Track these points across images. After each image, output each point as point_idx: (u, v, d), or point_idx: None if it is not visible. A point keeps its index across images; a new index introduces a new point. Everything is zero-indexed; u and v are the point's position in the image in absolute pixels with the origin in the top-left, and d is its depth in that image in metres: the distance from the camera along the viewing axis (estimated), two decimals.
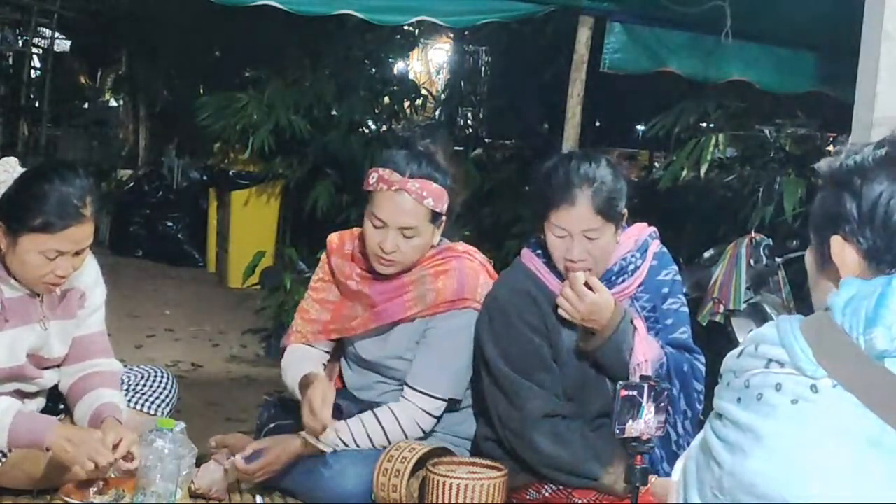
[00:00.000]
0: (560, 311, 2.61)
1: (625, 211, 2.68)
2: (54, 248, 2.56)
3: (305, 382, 2.75)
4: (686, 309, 2.83)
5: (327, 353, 3.00)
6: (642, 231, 2.80)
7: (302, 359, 2.92)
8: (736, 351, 1.25)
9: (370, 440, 2.75)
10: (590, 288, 2.58)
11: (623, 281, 2.71)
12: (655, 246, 2.80)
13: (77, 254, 2.62)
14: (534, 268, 2.73)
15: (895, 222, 1.23)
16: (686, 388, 2.72)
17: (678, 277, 2.83)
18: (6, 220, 2.58)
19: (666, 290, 2.77)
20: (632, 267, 2.72)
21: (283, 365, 2.95)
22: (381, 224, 2.73)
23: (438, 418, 2.83)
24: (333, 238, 3.00)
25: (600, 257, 2.64)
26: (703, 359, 2.78)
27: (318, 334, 2.95)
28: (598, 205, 2.58)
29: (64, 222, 2.55)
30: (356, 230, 2.95)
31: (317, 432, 2.66)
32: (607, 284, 2.68)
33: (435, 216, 2.77)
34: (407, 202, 2.72)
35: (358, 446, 2.74)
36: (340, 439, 2.74)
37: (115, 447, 2.50)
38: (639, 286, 2.73)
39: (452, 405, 2.86)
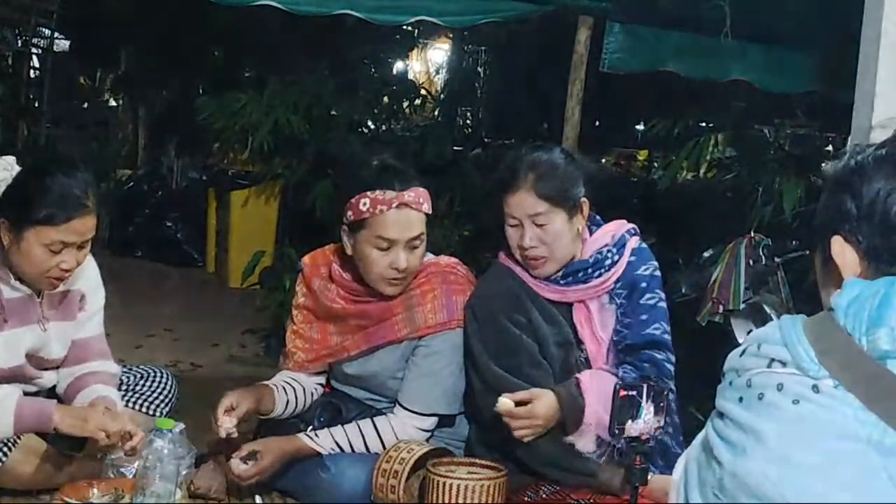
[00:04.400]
0: (523, 437, 2.55)
1: (582, 199, 2.69)
2: (59, 241, 2.57)
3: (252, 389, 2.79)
4: (664, 305, 2.80)
5: (321, 373, 2.96)
6: (620, 227, 2.81)
7: (280, 377, 2.92)
8: (738, 350, 1.24)
9: (366, 448, 2.75)
10: (525, 402, 2.54)
11: (599, 275, 2.71)
12: (634, 242, 2.80)
13: (81, 246, 2.63)
14: (511, 266, 2.75)
15: (893, 220, 1.23)
16: None
17: (658, 273, 2.82)
18: (9, 216, 2.59)
19: (644, 284, 2.76)
20: (608, 262, 2.72)
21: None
22: (387, 245, 2.69)
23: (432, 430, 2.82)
24: (306, 261, 2.98)
25: (554, 244, 2.66)
26: (672, 357, 2.76)
27: (313, 362, 2.92)
28: (541, 189, 2.63)
29: (67, 214, 2.56)
30: (328, 249, 2.92)
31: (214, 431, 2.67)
32: (583, 277, 2.70)
33: (428, 218, 2.78)
34: (411, 214, 2.71)
35: (353, 451, 2.74)
36: (337, 444, 2.74)
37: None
38: (616, 281, 2.73)
39: (447, 417, 2.85)
